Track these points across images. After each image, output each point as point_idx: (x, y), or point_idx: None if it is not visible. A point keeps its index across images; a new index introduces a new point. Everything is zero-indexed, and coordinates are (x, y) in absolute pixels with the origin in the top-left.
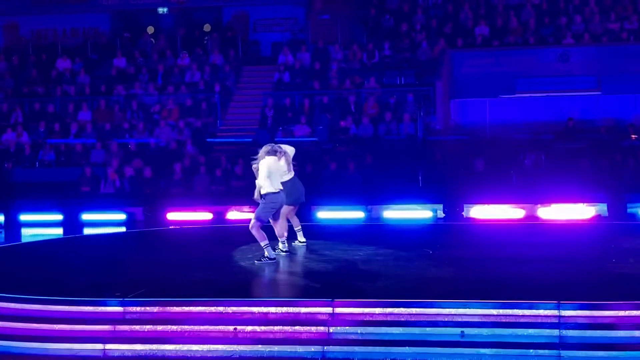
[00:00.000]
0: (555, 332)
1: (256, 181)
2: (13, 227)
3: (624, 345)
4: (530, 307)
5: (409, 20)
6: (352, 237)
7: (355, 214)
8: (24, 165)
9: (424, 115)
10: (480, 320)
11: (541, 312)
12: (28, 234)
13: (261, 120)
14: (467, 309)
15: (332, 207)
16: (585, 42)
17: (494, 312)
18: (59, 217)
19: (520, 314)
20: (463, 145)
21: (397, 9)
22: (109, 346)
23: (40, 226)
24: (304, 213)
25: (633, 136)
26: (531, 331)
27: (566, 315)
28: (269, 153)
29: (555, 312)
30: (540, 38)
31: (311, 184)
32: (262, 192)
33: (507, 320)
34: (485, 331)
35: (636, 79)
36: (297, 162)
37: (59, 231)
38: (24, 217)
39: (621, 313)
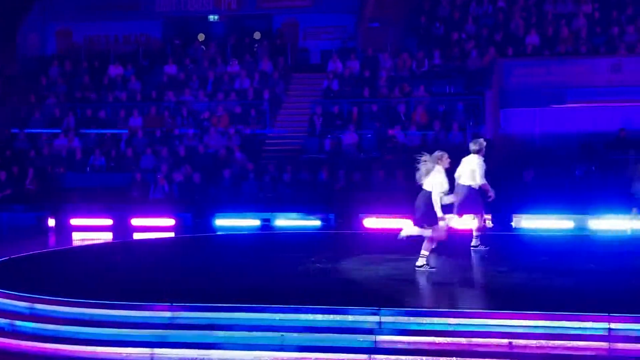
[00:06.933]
0: (605, 344)
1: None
2: (64, 231)
3: None
4: (579, 320)
5: (459, 28)
6: (399, 246)
7: (404, 223)
8: (75, 170)
9: (473, 125)
10: (529, 331)
11: (590, 324)
12: (78, 238)
13: (310, 128)
14: (515, 320)
15: (380, 215)
16: (638, 53)
17: (542, 323)
18: (109, 221)
19: (569, 326)
20: (513, 155)
21: (448, 17)
22: (157, 350)
23: (91, 230)
24: (347, 221)
25: None
26: (580, 343)
27: (616, 327)
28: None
29: (605, 325)
30: (592, 48)
31: (359, 192)
32: None
33: (556, 332)
34: (533, 342)
35: None
36: (345, 171)
37: (108, 235)
38: (74, 222)
39: None
